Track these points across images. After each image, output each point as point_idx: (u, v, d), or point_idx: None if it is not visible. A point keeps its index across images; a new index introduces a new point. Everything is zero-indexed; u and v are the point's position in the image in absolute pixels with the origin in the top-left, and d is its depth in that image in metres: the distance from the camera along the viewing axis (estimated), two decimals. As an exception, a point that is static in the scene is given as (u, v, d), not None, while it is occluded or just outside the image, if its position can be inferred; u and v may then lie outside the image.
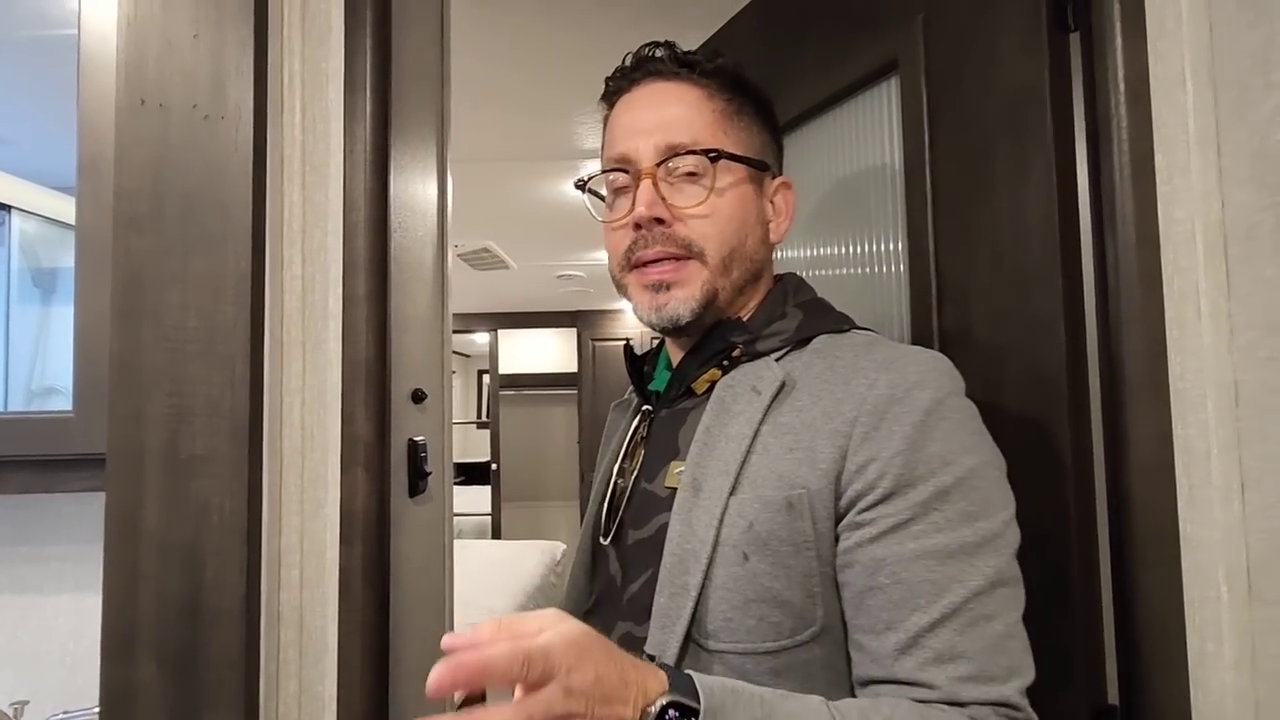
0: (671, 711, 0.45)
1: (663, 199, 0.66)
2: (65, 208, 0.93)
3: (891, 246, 0.95)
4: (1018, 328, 0.77)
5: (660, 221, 0.65)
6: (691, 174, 0.66)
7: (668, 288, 0.66)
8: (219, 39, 0.81)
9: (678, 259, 0.66)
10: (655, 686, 0.46)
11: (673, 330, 0.68)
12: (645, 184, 0.66)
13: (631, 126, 0.68)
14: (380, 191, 0.92)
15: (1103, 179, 0.72)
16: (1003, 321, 0.79)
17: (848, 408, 0.59)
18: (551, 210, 3.19)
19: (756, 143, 0.71)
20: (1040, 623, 0.73)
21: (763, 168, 0.70)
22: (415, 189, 1.11)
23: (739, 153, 0.68)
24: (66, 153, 0.84)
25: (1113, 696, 0.71)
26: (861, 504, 0.57)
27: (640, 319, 0.69)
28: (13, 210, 1.05)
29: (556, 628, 0.44)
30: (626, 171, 0.68)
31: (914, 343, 0.89)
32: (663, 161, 0.66)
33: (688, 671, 0.49)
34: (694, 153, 0.66)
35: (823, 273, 1.08)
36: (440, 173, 1.24)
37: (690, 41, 1.35)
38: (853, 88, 1.00)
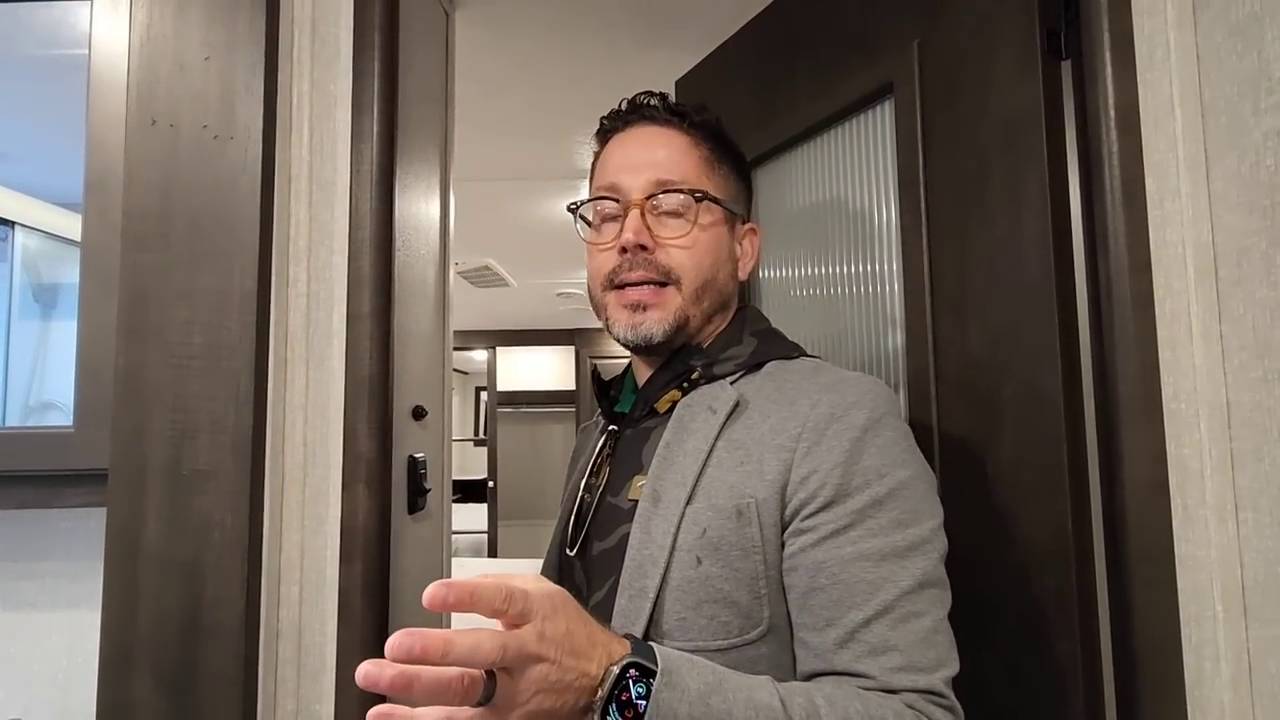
0: (632, 670, 0.48)
1: (648, 229, 0.71)
2: (68, 223, 0.93)
3: (885, 267, 0.97)
4: (1013, 348, 0.78)
5: (644, 249, 0.71)
6: (675, 210, 0.73)
7: (644, 308, 0.72)
8: (230, 61, 0.83)
9: (657, 284, 0.72)
10: (619, 649, 0.49)
11: (645, 348, 0.73)
12: (634, 213, 0.71)
13: (624, 161, 0.75)
14: (385, 210, 0.93)
15: (1095, 203, 0.74)
16: (999, 342, 0.80)
17: (793, 425, 0.65)
18: (551, 229, 3.21)
19: (731, 190, 0.77)
20: (1038, 642, 0.74)
21: (735, 213, 0.77)
22: (419, 208, 1.12)
23: (719, 196, 0.75)
24: (70, 169, 0.85)
25: (1110, 716, 0.71)
26: (804, 512, 0.62)
27: (615, 336, 0.74)
28: (16, 226, 1.06)
29: (538, 583, 0.48)
30: (616, 200, 0.74)
31: (910, 363, 0.90)
32: (651, 196, 0.72)
33: (649, 642, 0.53)
34: (682, 191, 0.72)
35: (816, 292, 1.09)
36: (443, 192, 1.26)
37: (684, 65, 1.37)
38: (847, 110, 1.02)
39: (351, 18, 0.91)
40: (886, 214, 0.97)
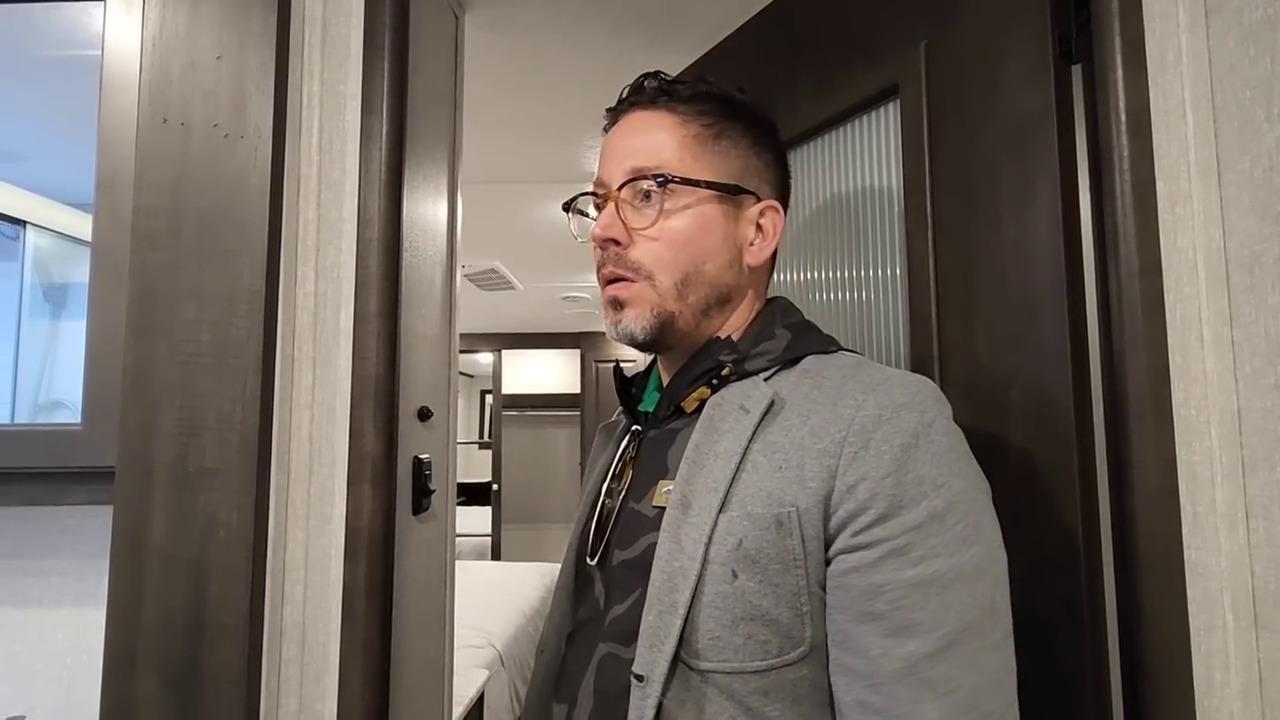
0: None
1: (623, 221, 0.68)
2: (79, 223, 0.94)
3: (889, 271, 0.96)
4: (1022, 354, 0.78)
5: (615, 243, 0.68)
6: (645, 199, 0.68)
7: (621, 305, 0.68)
8: (241, 60, 0.83)
9: (628, 281, 0.68)
10: None
11: (643, 346, 0.70)
12: (609, 207, 0.68)
13: (607, 151, 0.71)
14: (393, 211, 0.93)
15: (1105, 207, 0.73)
16: (1007, 347, 0.80)
17: (836, 428, 0.59)
18: (559, 232, 3.22)
19: (735, 166, 0.70)
20: (1046, 651, 0.73)
21: (735, 191, 0.69)
22: (426, 209, 1.12)
23: (705, 177, 0.68)
24: (82, 170, 0.85)
25: (1120, 726, 0.70)
26: (854, 526, 0.57)
27: (610, 336, 0.71)
28: (28, 225, 1.06)
29: None
30: (597, 194, 0.71)
31: (913, 368, 0.90)
32: (625, 184, 0.68)
33: None
34: (646, 177, 0.67)
35: (819, 297, 1.09)
36: (451, 194, 1.26)
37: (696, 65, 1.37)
38: (850, 111, 1.01)
39: (362, 17, 0.92)
40: (890, 217, 0.96)
